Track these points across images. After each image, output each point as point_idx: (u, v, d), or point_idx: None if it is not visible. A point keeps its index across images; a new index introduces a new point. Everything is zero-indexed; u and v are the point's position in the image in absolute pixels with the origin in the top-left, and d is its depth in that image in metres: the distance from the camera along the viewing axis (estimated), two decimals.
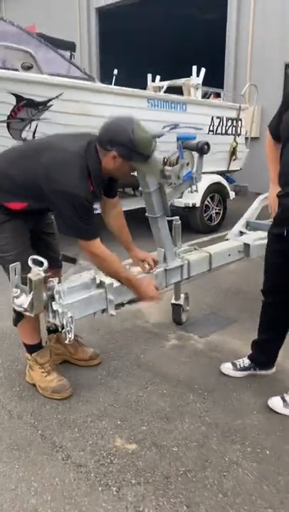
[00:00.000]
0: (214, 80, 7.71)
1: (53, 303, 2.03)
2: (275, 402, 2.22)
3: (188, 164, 2.59)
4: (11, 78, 3.79)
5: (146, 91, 5.95)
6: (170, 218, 2.73)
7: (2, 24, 4.09)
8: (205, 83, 6.47)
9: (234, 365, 2.53)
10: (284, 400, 2.21)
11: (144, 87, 6.90)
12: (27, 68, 3.80)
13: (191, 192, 2.67)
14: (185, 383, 2.45)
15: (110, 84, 5.82)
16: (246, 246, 3.12)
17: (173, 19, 12.57)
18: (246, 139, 6.69)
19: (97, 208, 2.29)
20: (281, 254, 2.16)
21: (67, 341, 2.05)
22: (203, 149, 2.58)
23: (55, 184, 1.95)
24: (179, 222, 2.87)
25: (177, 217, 2.82)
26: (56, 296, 2.03)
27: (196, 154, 2.66)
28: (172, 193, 2.60)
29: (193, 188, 2.64)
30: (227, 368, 2.54)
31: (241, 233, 3.45)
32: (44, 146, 2.13)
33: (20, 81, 3.79)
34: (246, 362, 2.52)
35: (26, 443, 1.99)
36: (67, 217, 2.00)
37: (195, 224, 5.75)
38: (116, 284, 2.26)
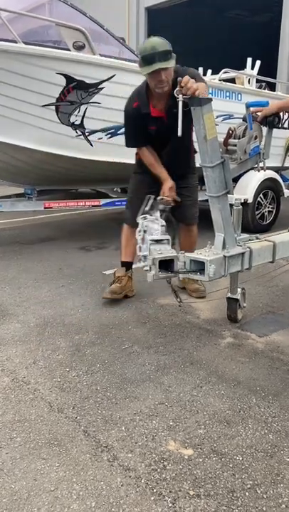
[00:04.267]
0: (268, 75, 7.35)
1: None
2: None
3: (256, 138, 2.30)
4: (62, 58, 3.63)
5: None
6: (230, 202, 2.45)
7: (54, 2, 3.96)
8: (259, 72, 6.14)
9: None
10: None
11: None
12: (79, 48, 3.63)
13: (258, 171, 2.38)
14: (245, 384, 2.15)
15: None
16: None
17: (221, 19, 12.32)
18: None
19: None
20: None
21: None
22: (273, 121, 2.28)
23: None
24: (240, 206, 2.58)
25: (238, 201, 2.54)
26: None
27: (264, 128, 2.36)
28: (236, 170, 2.32)
29: (260, 165, 2.35)
30: None
31: None
32: None
33: (71, 61, 3.63)
34: None
35: (68, 439, 1.76)
36: None
37: (246, 221, 5.36)
38: None
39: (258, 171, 2.41)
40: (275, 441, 1.75)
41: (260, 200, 5.50)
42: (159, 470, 1.60)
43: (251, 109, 2.31)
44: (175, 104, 2.36)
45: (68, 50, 3.68)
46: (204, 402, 2.01)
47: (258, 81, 6.47)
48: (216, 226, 2.41)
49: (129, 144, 2.99)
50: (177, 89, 2.06)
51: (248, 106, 2.27)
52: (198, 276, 2.32)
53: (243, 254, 2.44)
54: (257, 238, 2.68)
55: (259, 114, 2.37)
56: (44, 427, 1.83)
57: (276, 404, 2.00)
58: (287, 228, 3.10)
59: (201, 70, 6.53)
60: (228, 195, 2.31)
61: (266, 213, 5.65)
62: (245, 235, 2.65)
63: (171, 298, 3.23)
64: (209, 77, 6.35)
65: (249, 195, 5.18)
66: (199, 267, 2.31)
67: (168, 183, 2.91)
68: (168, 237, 2.39)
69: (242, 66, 6.25)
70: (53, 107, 3.81)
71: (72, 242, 4.85)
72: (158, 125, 2.82)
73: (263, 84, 6.68)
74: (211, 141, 2.13)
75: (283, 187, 5.75)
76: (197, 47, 13.17)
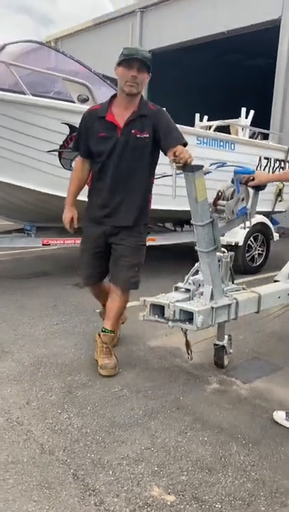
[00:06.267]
0: (262, 122, 7.73)
1: None
2: None
3: (243, 199, 2.51)
4: (67, 109, 3.90)
5: (196, 129, 6.00)
6: (219, 254, 2.64)
7: (61, 57, 4.25)
8: (252, 124, 6.50)
9: (288, 414, 2.34)
10: None
11: (191, 126, 7.01)
12: (83, 100, 3.90)
13: (244, 228, 2.58)
14: (228, 432, 2.28)
15: None
16: None
17: (220, 63, 12.93)
18: None
19: None
20: None
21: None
22: (260, 187, 2.49)
23: None
24: (228, 258, 2.76)
25: (226, 254, 2.72)
26: None
27: (251, 190, 2.57)
28: (225, 228, 2.52)
29: (247, 224, 2.55)
30: (280, 416, 2.35)
31: None
32: None
33: (74, 112, 3.88)
34: None
35: (58, 482, 1.86)
36: None
37: (236, 264, 5.57)
38: None
39: (244, 228, 2.61)
40: (252, 489, 1.87)
41: (251, 243, 5.72)
42: None
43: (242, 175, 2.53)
44: (135, 123, 2.62)
45: (73, 102, 3.95)
46: (188, 448, 2.13)
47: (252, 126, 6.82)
48: (204, 278, 2.58)
49: (73, 145, 2.96)
50: (171, 158, 2.27)
51: (235, 173, 2.49)
52: (186, 325, 2.47)
53: (229, 305, 2.60)
54: (244, 289, 2.84)
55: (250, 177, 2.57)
56: (36, 469, 1.93)
57: (255, 453, 2.12)
58: (267, 278, 3.28)
59: (197, 116, 6.91)
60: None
61: (256, 256, 5.87)
62: (233, 286, 2.82)
63: (162, 340, 3.38)
64: (205, 123, 6.70)
65: (240, 239, 5.40)
66: (188, 316, 2.47)
67: (68, 213, 2.84)
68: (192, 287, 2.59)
69: (239, 106, 6.57)
70: (57, 153, 4.05)
71: (67, 277, 5.00)
72: (109, 133, 2.66)
73: (257, 131, 7.03)
74: (202, 203, 2.33)
75: (273, 231, 5.99)
76: (196, 87, 13.79)
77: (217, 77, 13.76)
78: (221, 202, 2.43)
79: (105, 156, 2.68)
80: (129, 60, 2.56)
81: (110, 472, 1.94)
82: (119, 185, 2.71)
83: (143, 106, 2.70)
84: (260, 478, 1.94)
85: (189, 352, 2.80)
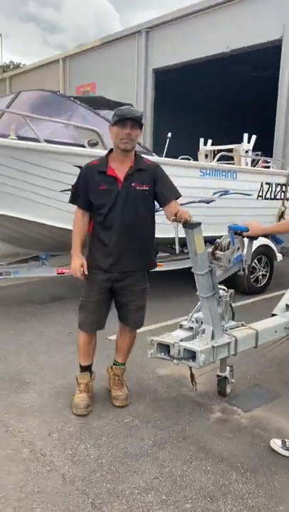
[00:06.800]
0: (265, 139, 8.00)
1: None
2: None
3: (238, 249, 2.79)
4: (77, 154, 4.23)
5: (199, 162, 6.29)
6: (221, 292, 2.92)
7: (72, 104, 4.58)
8: (256, 145, 6.78)
9: (284, 443, 2.60)
10: None
11: (196, 146, 7.32)
12: (92, 145, 4.22)
13: (240, 274, 2.85)
14: (228, 461, 2.54)
15: (164, 145, 6.24)
16: None
17: (225, 77, 13.21)
18: None
19: None
20: None
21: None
22: (254, 238, 2.77)
23: None
24: (228, 298, 3.03)
25: (226, 293, 2.99)
26: None
27: (245, 239, 2.85)
28: (222, 275, 2.79)
29: (243, 267, 2.82)
30: (277, 444, 2.61)
31: (288, 306, 3.55)
32: None
33: (85, 156, 4.20)
34: None
35: (78, 511, 2.15)
36: None
37: (241, 285, 5.86)
38: None
39: (241, 274, 2.89)
40: None
41: (255, 265, 5.98)
42: None
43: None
44: (134, 176, 2.85)
45: (83, 146, 4.28)
46: (192, 477, 2.40)
47: (254, 150, 7.09)
48: (205, 320, 2.86)
49: (70, 199, 3.03)
50: (172, 218, 2.55)
51: (230, 228, 2.77)
52: (190, 363, 2.75)
53: (229, 343, 2.88)
54: (243, 325, 3.11)
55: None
56: (59, 499, 2.22)
57: (252, 481, 2.38)
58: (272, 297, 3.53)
59: (201, 141, 7.19)
60: None
61: (260, 277, 6.13)
62: (233, 323, 3.09)
63: (170, 368, 3.64)
64: (209, 148, 6.98)
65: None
66: (192, 354, 2.75)
67: (77, 261, 2.93)
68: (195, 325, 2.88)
69: (245, 119, 6.88)
70: (69, 192, 4.36)
71: None
72: (110, 186, 2.83)
73: (259, 153, 7.30)
74: (201, 255, 2.62)
75: (276, 252, 6.24)
76: (204, 105, 14.10)
77: (222, 91, 14.05)
78: (218, 252, 2.71)
79: (108, 207, 2.84)
80: (122, 120, 2.75)
81: (124, 501, 2.22)
82: (124, 235, 2.86)
83: (139, 161, 2.93)
84: (255, 506, 2.21)
85: (194, 383, 3.07)
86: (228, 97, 14.33)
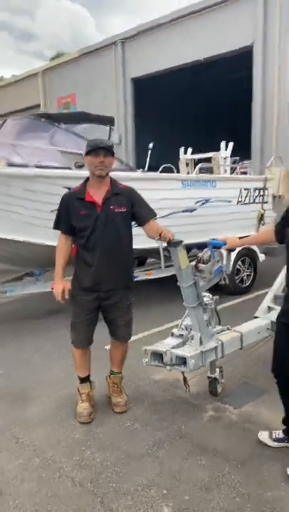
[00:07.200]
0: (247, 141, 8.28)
1: None
2: None
3: (218, 261, 3.06)
4: (64, 176, 4.48)
5: (180, 174, 6.57)
6: (206, 300, 3.18)
7: (58, 130, 4.83)
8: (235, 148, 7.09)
9: (271, 434, 2.87)
10: None
11: (177, 153, 7.60)
12: (79, 167, 4.47)
13: (222, 284, 3.12)
14: (222, 455, 2.80)
15: (146, 155, 6.49)
16: (273, 323, 3.49)
17: (200, 85, 13.56)
18: (274, 198, 7.04)
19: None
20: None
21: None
22: (231, 250, 3.05)
23: None
24: (213, 305, 3.30)
25: (211, 301, 3.25)
26: None
27: (224, 252, 3.12)
28: (205, 286, 3.06)
29: (224, 277, 3.10)
30: (264, 436, 2.88)
31: (269, 308, 3.82)
32: None
33: (72, 178, 4.45)
34: (281, 434, 2.85)
35: (89, 509, 2.39)
36: None
37: (227, 286, 6.14)
38: None
39: (223, 284, 3.16)
40: (240, 503, 2.40)
41: (239, 267, 6.28)
42: None
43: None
44: (111, 200, 3.07)
45: (70, 168, 4.53)
46: (189, 472, 2.66)
47: (232, 155, 7.40)
48: (193, 327, 3.12)
49: (54, 225, 3.21)
50: (157, 237, 2.82)
51: (209, 244, 3.04)
52: (182, 368, 3.01)
53: (216, 347, 3.14)
54: (228, 329, 3.38)
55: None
56: (71, 500, 2.46)
57: (244, 471, 2.65)
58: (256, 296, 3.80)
59: (182, 150, 7.48)
60: None
61: (245, 277, 6.43)
62: (219, 328, 3.36)
63: (164, 373, 3.89)
64: (189, 156, 7.27)
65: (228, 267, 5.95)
66: (183, 360, 3.01)
67: (59, 285, 3.15)
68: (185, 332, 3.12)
69: (225, 120, 7.18)
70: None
71: None
72: (89, 211, 3.03)
73: (237, 159, 7.61)
74: (185, 269, 2.88)
75: (258, 253, 6.55)
76: (182, 111, 14.43)
77: (198, 97, 14.41)
78: (200, 265, 2.98)
79: (89, 230, 3.04)
80: (95, 149, 2.97)
81: (129, 497, 2.47)
82: (106, 255, 3.07)
83: (114, 185, 3.14)
84: (246, 492, 2.47)
85: (187, 386, 3.33)
86: (205, 102, 14.67)
